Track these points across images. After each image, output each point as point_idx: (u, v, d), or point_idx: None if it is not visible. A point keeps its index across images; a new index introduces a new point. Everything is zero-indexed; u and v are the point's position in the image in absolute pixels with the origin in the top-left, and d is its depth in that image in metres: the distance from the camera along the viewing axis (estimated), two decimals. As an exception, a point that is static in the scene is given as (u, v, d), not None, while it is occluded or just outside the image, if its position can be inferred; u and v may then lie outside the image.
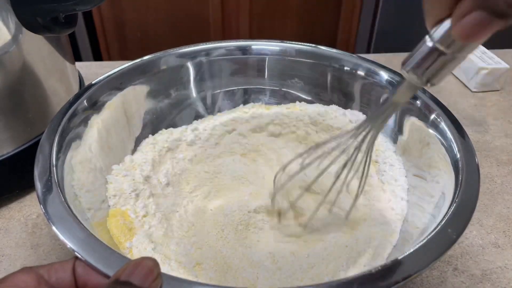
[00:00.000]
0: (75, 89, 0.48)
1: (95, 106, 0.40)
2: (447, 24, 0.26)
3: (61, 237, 0.27)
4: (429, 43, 0.28)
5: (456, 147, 0.35)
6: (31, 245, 0.40)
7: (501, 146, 0.52)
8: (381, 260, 0.35)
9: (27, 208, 0.43)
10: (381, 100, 0.45)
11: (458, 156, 0.35)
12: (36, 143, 0.42)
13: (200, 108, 0.49)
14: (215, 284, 0.26)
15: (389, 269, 0.26)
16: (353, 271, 0.34)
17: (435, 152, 0.38)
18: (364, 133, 0.35)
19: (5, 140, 0.40)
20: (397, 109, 0.38)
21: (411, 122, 0.41)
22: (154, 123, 0.46)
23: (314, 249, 0.37)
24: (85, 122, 0.39)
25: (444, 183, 0.35)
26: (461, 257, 0.39)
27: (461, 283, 0.37)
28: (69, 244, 0.26)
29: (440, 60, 0.29)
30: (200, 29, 1.51)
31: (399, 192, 0.41)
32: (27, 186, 0.44)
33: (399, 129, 0.43)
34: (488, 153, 0.51)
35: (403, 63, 0.30)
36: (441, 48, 0.28)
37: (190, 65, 0.48)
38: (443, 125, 0.38)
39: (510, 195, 0.45)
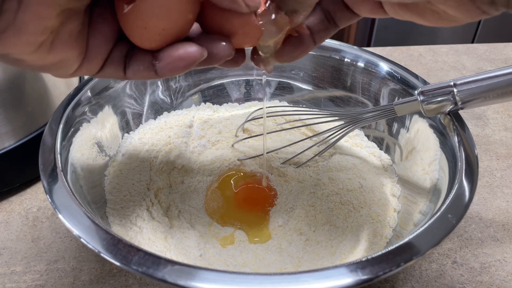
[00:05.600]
0: (75, 82, 0.48)
1: (99, 95, 0.41)
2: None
3: (68, 225, 0.27)
4: (453, 88, 0.34)
5: (455, 138, 0.36)
6: (31, 238, 0.40)
7: (501, 139, 0.52)
8: (382, 243, 0.35)
9: (27, 201, 0.43)
10: (381, 95, 0.45)
11: (457, 145, 0.35)
12: (37, 137, 0.42)
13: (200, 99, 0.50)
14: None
15: (393, 252, 0.26)
16: (356, 256, 0.34)
17: (434, 142, 0.38)
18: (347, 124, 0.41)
19: (6, 134, 0.40)
20: (390, 117, 0.39)
21: (415, 118, 0.41)
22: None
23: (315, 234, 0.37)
24: (89, 111, 0.39)
25: (442, 173, 0.35)
26: (460, 250, 0.39)
27: (460, 276, 0.37)
28: (76, 232, 0.27)
29: (450, 106, 0.35)
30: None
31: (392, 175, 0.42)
32: (27, 180, 0.44)
33: (399, 120, 0.43)
34: (487, 146, 0.51)
35: (421, 90, 0.36)
36: (458, 99, 0.34)
37: None
38: (443, 116, 0.38)
39: (510, 188, 0.45)
